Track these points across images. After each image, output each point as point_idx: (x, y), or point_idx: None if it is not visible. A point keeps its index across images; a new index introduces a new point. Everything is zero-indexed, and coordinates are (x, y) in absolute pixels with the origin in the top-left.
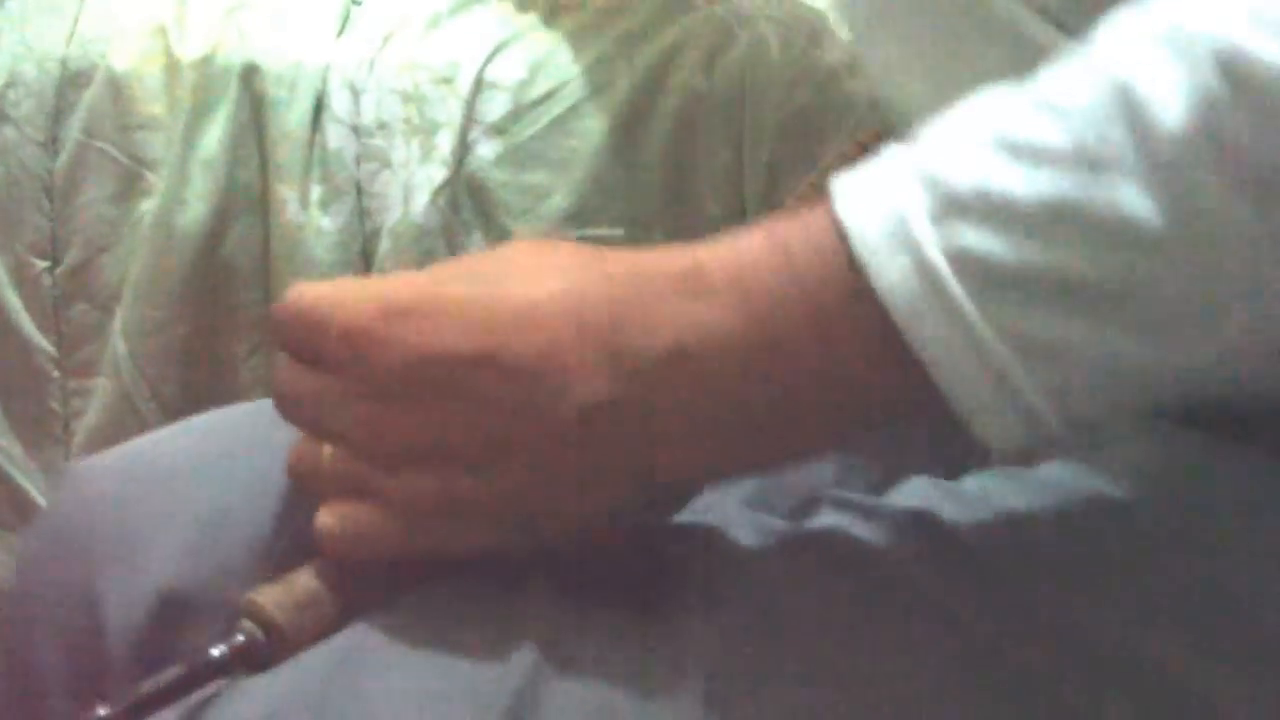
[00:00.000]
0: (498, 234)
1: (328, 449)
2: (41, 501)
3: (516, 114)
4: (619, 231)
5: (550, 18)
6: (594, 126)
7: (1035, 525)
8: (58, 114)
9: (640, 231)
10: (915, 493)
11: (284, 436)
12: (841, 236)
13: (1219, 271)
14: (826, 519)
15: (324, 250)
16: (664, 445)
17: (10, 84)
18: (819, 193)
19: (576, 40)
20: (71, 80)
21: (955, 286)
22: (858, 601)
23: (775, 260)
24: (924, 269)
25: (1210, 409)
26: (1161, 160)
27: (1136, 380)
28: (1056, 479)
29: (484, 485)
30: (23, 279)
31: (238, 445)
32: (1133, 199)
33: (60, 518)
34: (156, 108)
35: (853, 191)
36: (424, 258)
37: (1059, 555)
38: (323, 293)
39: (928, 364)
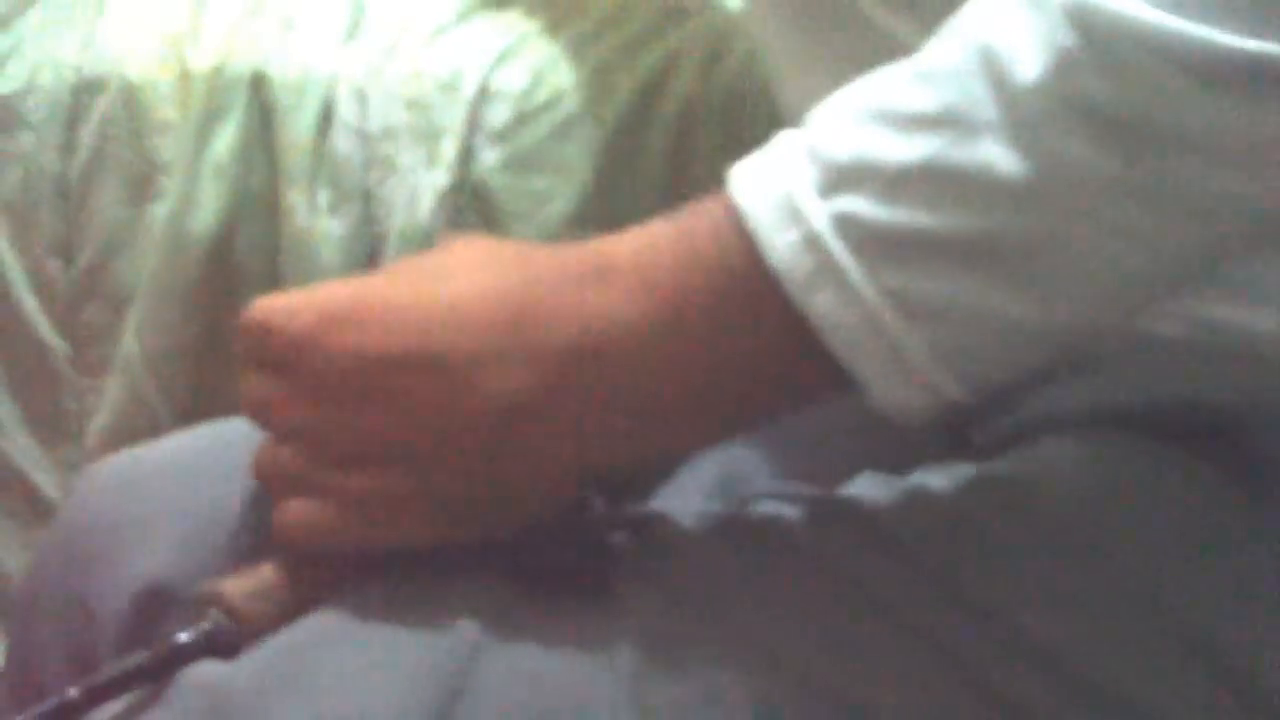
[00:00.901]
0: (501, 237)
1: (284, 449)
2: (56, 497)
3: (519, 121)
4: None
5: (552, 26)
6: (595, 133)
7: (962, 511)
8: (73, 120)
9: None
10: (856, 485)
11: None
12: (736, 217)
13: (1087, 221)
14: (765, 508)
15: (332, 254)
16: (585, 434)
17: (29, 91)
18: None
19: (577, 48)
20: (87, 87)
21: (840, 254)
22: (782, 579)
23: (679, 246)
24: (810, 239)
25: (1153, 414)
26: (1022, 116)
27: (1026, 340)
28: (994, 472)
29: (419, 481)
30: (39, 280)
31: (230, 451)
32: (997, 155)
33: (65, 520)
34: (169, 114)
35: (747, 175)
36: None
37: (985, 539)
38: (275, 304)
39: (820, 333)
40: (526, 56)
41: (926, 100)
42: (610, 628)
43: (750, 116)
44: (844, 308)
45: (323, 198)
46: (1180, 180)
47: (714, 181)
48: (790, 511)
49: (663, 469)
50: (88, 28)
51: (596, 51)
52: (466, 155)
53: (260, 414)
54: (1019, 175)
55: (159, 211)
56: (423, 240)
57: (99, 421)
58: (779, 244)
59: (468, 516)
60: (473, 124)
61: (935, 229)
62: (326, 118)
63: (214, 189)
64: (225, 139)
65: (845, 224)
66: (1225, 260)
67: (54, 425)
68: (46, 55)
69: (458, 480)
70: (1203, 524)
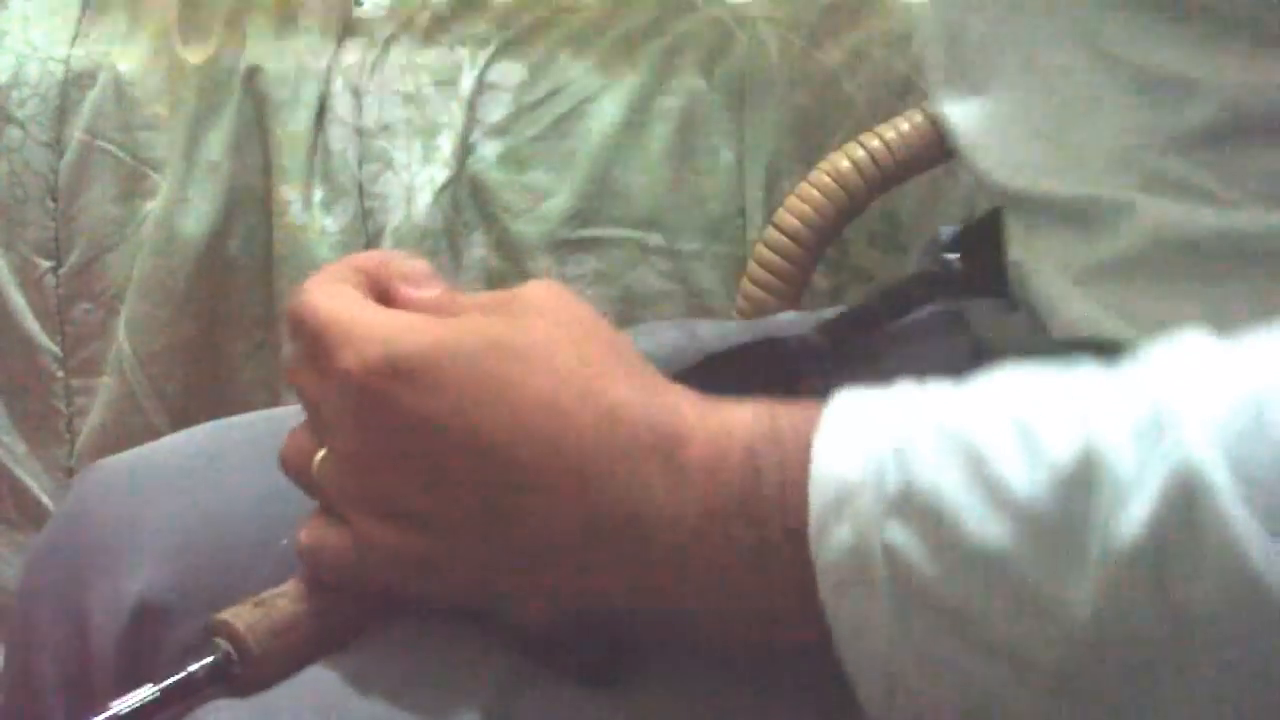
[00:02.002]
0: (499, 234)
1: (322, 452)
2: (45, 500)
3: (517, 115)
4: (620, 232)
5: (551, 19)
6: (595, 127)
7: None
8: (62, 114)
9: (641, 232)
10: None
11: (275, 452)
12: (803, 474)
13: (1125, 685)
14: None
15: (327, 251)
16: (599, 583)
17: (14, 84)
18: None
19: (577, 42)
20: (75, 81)
21: (880, 582)
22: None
23: (745, 465)
24: (859, 547)
25: None
26: (1110, 560)
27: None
28: None
29: (442, 551)
30: (27, 279)
31: (231, 457)
32: (1071, 582)
33: (59, 523)
34: (160, 108)
35: (838, 428)
36: (426, 257)
37: None
38: (338, 316)
39: (831, 625)
40: (525, 50)
41: (1026, 481)
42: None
43: (753, 112)
44: (862, 625)
45: (317, 194)
46: (1242, 678)
47: (715, 180)
48: None
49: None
50: (75, 18)
51: (597, 45)
52: (464, 150)
53: (301, 395)
54: (1084, 613)
55: (150, 209)
56: (419, 237)
57: (91, 420)
58: (829, 531)
59: (477, 594)
60: (471, 118)
61: (980, 616)
62: (321, 112)
63: (207, 185)
64: (218, 135)
65: (897, 557)
66: None
67: (43, 426)
68: (33, 47)
69: (476, 566)
70: None
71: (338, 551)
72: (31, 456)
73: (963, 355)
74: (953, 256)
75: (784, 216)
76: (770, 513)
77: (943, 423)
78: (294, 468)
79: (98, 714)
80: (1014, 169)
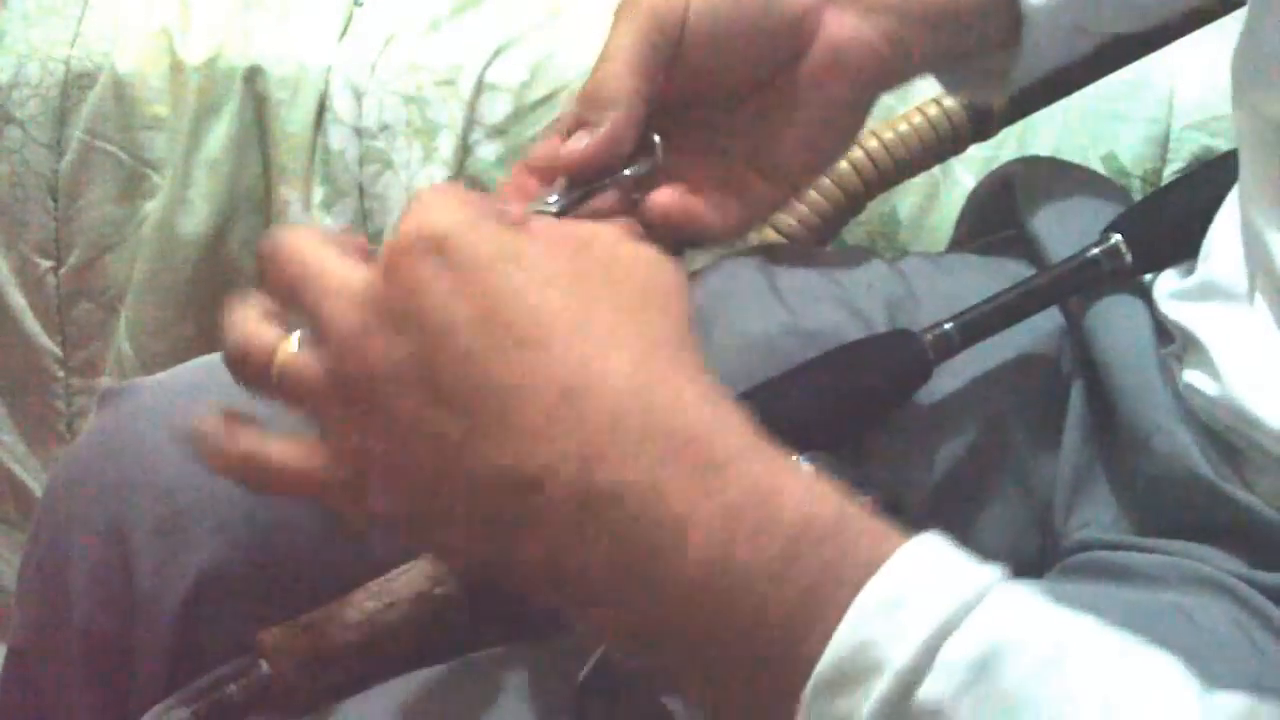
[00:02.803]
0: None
1: (290, 339)
2: None
3: (517, 115)
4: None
5: (550, 18)
6: None
7: None
8: (62, 114)
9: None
10: None
11: None
12: (832, 616)
13: None
14: None
15: None
16: (575, 601)
17: (15, 84)
18: None
19: (577, 40)
20: (76, 81)
21: None
22: None
23: (778, 578)
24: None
25: None
26: None
27: None
28: None
29: (403, 501)
30: (27, 279)
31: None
32: None
33: (98, 442)
34: (161, 109)
35: (885, 590)
36: None
37: None
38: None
39: None
40: (525, 50)
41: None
42: None
43: None
44: None
45: (317, 194)
46: None
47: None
48: None
49: None
50: (75, 18)
51: (597, 45)
52: (464, 150)
53: (292, 270)
54: None
55: (150, 209)
56: None
57: (84, 429)
58: (824, 703)
59: (423, 534)
60: (470, 119)
61: None
62: (321, 112)
63: (207, 185)
64: (218, 135)
65: None
66: None
67: (43, 425)
68: (33, 47)
69: (448, 531)
70: None
71: (294, 457)
72: (31, 456)
73: (1053, 338)
74: (1116, 239)
75: (782, 217)
76: (782, 641)
77: (988, 666)
78: (248, 361)
79: None
80: None
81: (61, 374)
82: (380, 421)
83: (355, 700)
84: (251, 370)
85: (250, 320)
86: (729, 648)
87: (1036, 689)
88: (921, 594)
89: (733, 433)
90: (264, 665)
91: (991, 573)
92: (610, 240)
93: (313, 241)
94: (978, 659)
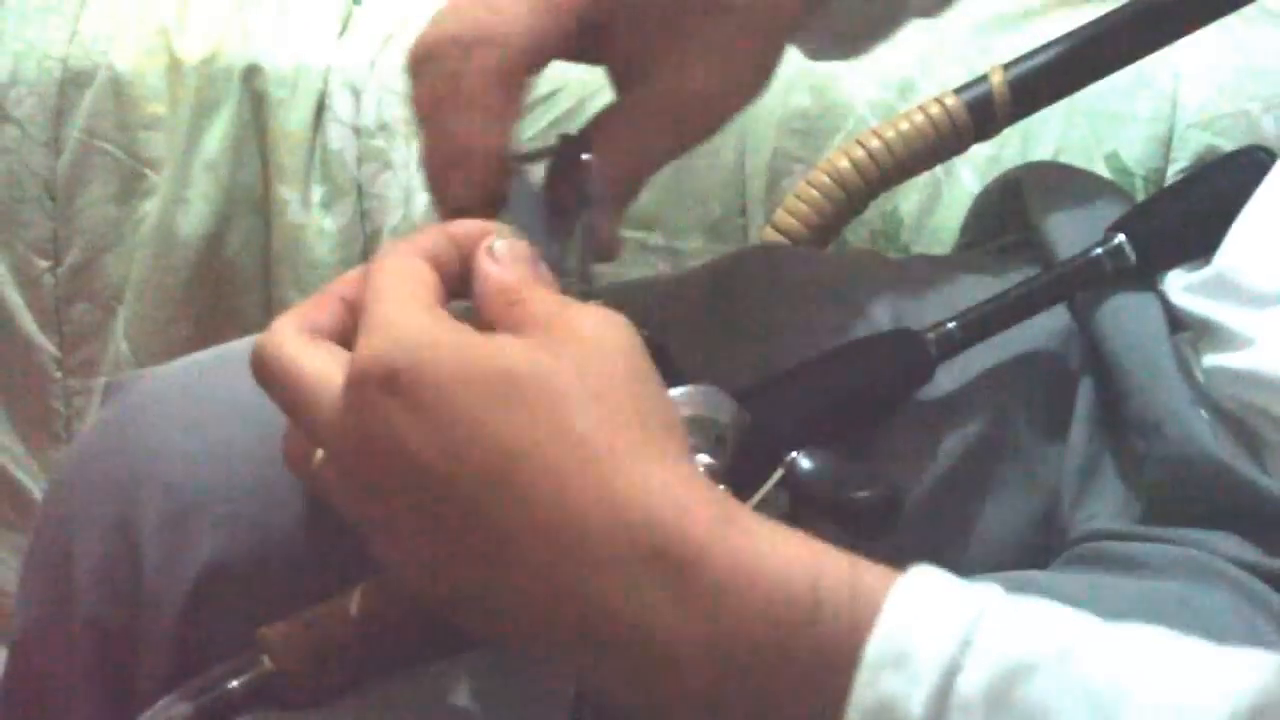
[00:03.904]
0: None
1: (320, 452)
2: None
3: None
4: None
5: None
6: None
7: None
8: (60, 113)
9: (641, 231)
10: None
11: None
12: (854, 650)
13: None
14: None
15: (325, 251)
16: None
17: (11, 83)
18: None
19: None
20: (73, 79)
21: None
22: None
23: (788, 601)
24: None
25: None
26: None
27: None
28: None
29: (442, 581)
30: (25, 278)
31: None
32: None
33: (105, 434)
34: (158, 107)
35: (886, 654)
36: None
37: None
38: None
39: None
40: None
41: None
42: None
43: (753, 112)
44: None
45: (316, 193)
46: None
47: (715, 179)
48: None
49: None
50: (73, 16)
51: None
52: None
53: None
54: None
55: (148, 209)
56: None
57: (88, 421)
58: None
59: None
60: None
61: None
62: (320, 111)
63: (205, 184)
64: (216, 134)
65: None
66: None
67: (41, 426)
68: (29, 46)
69: (455, 594)
70: None
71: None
72: (29, 457)
73: (1060, 336)
74: (1119, 239)
75: (784, 217)
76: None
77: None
78: (295, 465)
79: None
80: None
81: (59, 374)
82: (404, 519)
83: (356, 697)
84: (299, 475)
85: (290, 426)
86: None
87: (1057, 700)
88: (919, 642)
89: (699, 523)
90: (266, 661)
91: (980, 596)
92: (564, 326)
93: (285, 349)
94: (988, 689)
